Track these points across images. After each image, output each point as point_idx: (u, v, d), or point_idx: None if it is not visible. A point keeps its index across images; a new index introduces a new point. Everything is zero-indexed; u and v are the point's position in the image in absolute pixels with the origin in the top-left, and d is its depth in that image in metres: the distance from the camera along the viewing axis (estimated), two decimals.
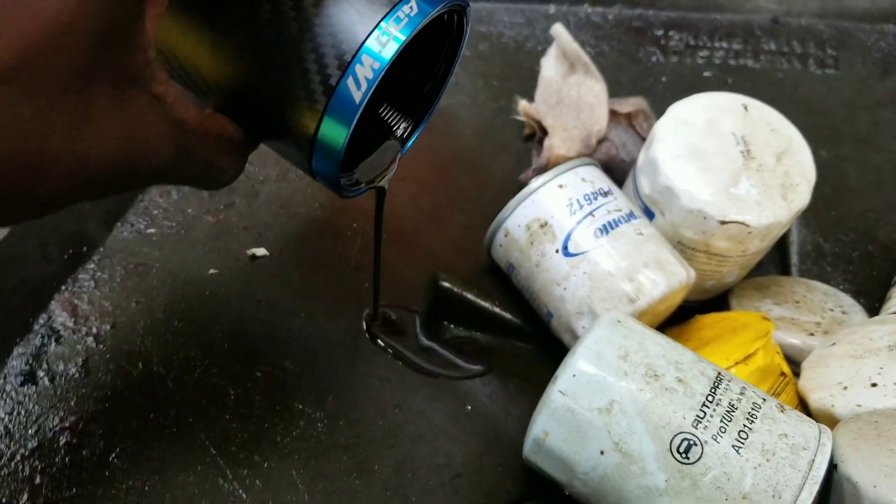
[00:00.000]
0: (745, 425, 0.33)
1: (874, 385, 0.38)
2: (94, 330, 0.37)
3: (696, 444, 0.32)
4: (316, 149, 0.27)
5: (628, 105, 0.60)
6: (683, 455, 0.32)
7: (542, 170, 0.57)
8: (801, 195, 0.45)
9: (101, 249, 0.40)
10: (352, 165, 0.32)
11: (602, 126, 0.57)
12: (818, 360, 0.43)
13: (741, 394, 0.34)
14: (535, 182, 0.45)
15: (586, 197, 0.45)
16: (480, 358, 0.45)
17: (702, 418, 0.33)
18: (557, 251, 0.44)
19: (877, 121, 0.63)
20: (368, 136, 0.33)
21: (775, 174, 0.45)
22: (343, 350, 0.40)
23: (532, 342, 0.48)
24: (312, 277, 0.43)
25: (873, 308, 0.52)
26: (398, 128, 0.34)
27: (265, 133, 0.29)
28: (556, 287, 0.44)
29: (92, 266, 0.39)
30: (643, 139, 0.59)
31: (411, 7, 0.27)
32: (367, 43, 0.26)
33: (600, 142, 0.58)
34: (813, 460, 0.32)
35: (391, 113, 0.34)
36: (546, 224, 0.44)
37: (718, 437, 0.32)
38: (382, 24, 0.26)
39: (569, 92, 0.60)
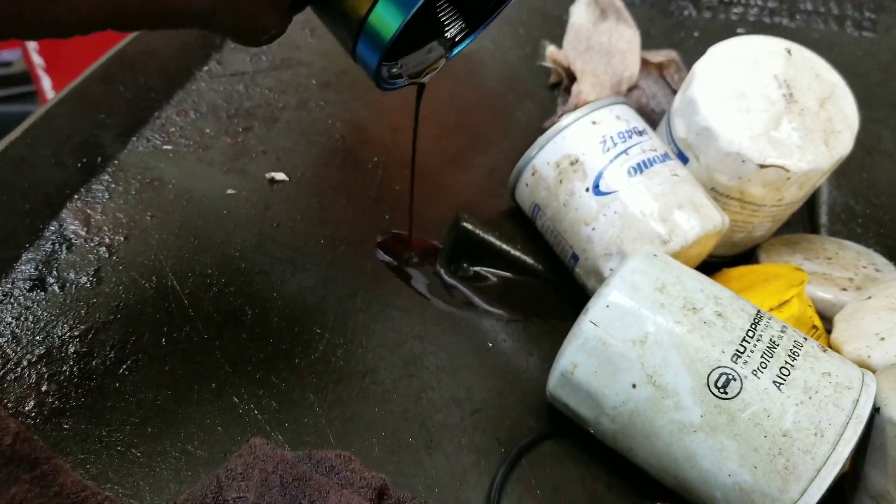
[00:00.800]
0: (786, 362, 0.31)
1: None
2: (107, 240, 0.36)
3: (734, 379, 0.31)
4: (364, 31, 0.25)
5: (660, 55, 0.58)
6: (721, 390, 0.31)
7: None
8: (844, 142, 0.43)
9: (116, 162, 0.38)
10: (396, 56, 0.30)
11: (634, 72, 0.56)
12: (853, 314, 0.41)
13: (782, 331, 0.33)
14: (567, 118, 0.43)
15: (620, 135, 0.43)
16: (502, 298, 0.44)
17: (741, 353, 0.31)
18: (587, 189, 0.42)
19: None
20: (419, 29, 0.31)
21: (818, 119, 0.43)
22: (363, 278, 0.39)
23: (553, 284, 0.47)
24: (332, 205, 0.41)
25: None
26: (451, 28, 0.32)
27: None
28: (583, 227, 0.42)
29: (106, 177, 0.38)
30: (674, 91, 0.58)
31: None
32: None
33: (631, 89, 0.56)
34: (857, 400, 0.30)
35: (448, 12, 0.32)
36: (577, 161, 0.42)
37: (759, 372, 0.31)
38: None
39: (599, 38, 0.58)
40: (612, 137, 0.43)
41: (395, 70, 0.30)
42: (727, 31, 0.65)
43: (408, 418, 0.35)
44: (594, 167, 0.42)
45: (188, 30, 0.38)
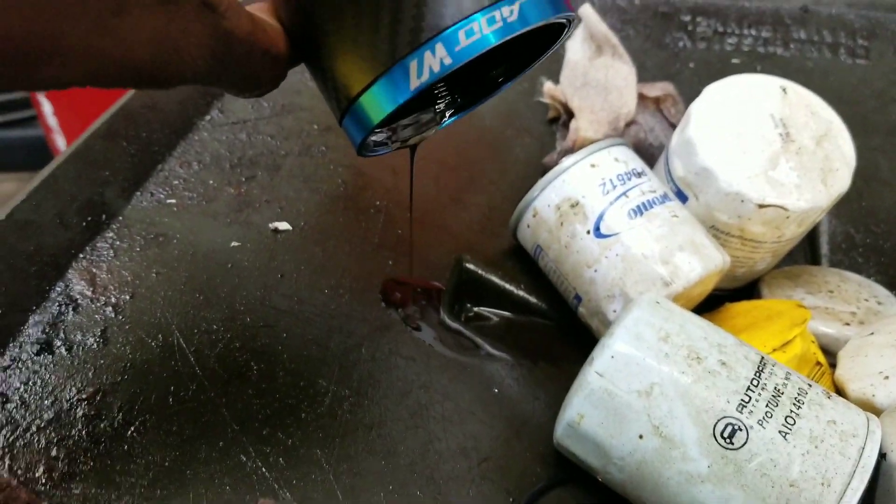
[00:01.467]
0: (791, 411, 0.31)
1: None
2: (113, 300, 0.36)
3: (740, 430, 0.31)
4: (351, 110, 0.26)
5: (657, 89, 0.59)
6: (727, 440, 0.31)
7: (569, 152, 0.55)
8: (841, 180, 0.43)
9: (121, 218, 0.39)
10: (384, 124, 0.30)
11: (631, 108, 0.56)
12: (857, 350, 0.41)
13: (786, 379, 0.33)
14: (567, 161, 0.44)
15: (619, 177, 0.43)
16: (507, 340, 0.44)
17: (747, 403, 0.31)
18: (588, 232, 0.42)
19: None
20: (410, 106, 0.31)
21: (815, 158, 0.43)
22: (367, 327, 0.39)
23: (558, 324, 0.47)
24: (335, 253, 0.42)
25: None
26: (444, 101, 0.33)
27: (315, 62, 0.27)
28: (586, 269, 0.42)
29: (111, 235, 0.38)
30: (671, 124, 0.58)
31: (511, 11, 0.24)
32: (449, 32, 0.23)
33: (628, 125, 0.57)
34: (863, 448, 0.30)
35: (442, 88, 0.33)
36: (577, 204, 0.43)
37: (764, 422, 0.31)
38: (474, 18, 0.23)
39: (596, 74, 0.59)
40: (611, 180, 0.43)
41: (379, 139, 0.30)
42: (722, 62, 0.65)
43: (415, 471, 0.35)
44: (595, 210, 0.42)
45: None
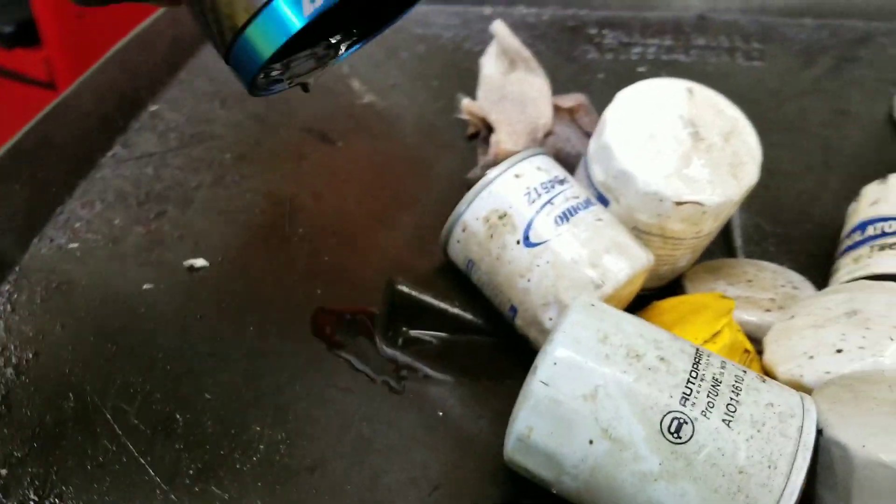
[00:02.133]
0: (731, 398, 0.32)
1: (839, 351, 0.38)
2: (14, 360, 0.33)
3: (686, 423, 0.31)
4: (238, 44, 0.24)
5: (570, 100, 0.60)
6: (675, 435, 0.31)
7: (491, 165, 0.55)
8: (750, 173, 0.45)
9: (18, 269, 0.36)
10: (276, 58, 0.28)
11: (548, 119, 0.57)
12: (780, 334, 0.43)
13: (722, 367, 0.33)
14: (491, 173, 0.44)
15: (543, 185, 0.43)
16: (446, 361, 0.43)
17: (688, 395, 0.32)
18: (518, 242, 0.42)
19: (803, 108, 0.65)
20: (304, 38, 0.28)
21: (724, 154, 0.45)
22: (299, 362, 0.37)
23: (495, 339, 0.46)
24: (259, 287, 0.40)
25: (818, 282, 0.52)
26: (339, 35, 0.30)
27: None
28: (519, 279, 0.42)
29: (7, 288, 0.35)
30: (586, 133, 0.59)
31: None
32: None
33: (546, 136, 0.57)
34: (801, 427, 0.31)
35: (336, 21, 0.30)
36: (505, 215, 0.43)
37: (707, 412, 0.31)
38: None
39: (511, 88, 0.59)
40: (535, 189, 0.43)
41: (274, 74, 0.28)
42: (629, 71, 0.68)
43: None
44: (523, 219, 0.42)
45: (88, 116, 0.36)
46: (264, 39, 0.23)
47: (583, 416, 0.32)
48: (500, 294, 0.44)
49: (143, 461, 0.31)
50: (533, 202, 0.43)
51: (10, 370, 0.32)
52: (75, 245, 0.37)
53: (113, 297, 0.36)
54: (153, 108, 0.47)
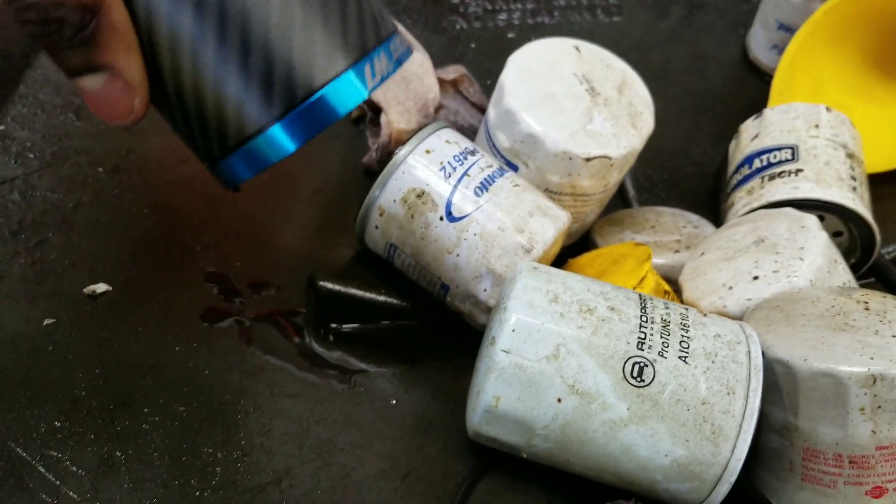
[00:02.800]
0: (682, 335, 0.33)
1: (756, 278, 0.40)
2: None
3: (647, 365, 0.32)
4: (243, 149, 0.24)
5: (451, 72, 0.59)
6: (638, 378, 0.32)
7: (385, 147, 0.54)
8: (647, 121, 0.47)
9: None
10: None
11: (436, 93, 0.56)
12: (695, 271, 0.45)
13: (666, 308, 0.35)
14: (401, 152, 0.43)
15: (456, 158, 0.43)
16: (382, 350, 0.42)
17: (643, 339, 0.33)
18: (442, 218, 0.41)
19: (665, 57, 0.68)
20: None
21: (621, 106, 0.47)
22: (236, 376, 0.35)
23: (426, 321, 0.46)
24: (174, 304, 0.36)
25: (710, 218, 0.56)
26: None
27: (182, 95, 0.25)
28: (447, 256, 0.41)
29: None
30: (472, 104, 0.59)
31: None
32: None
33: (436, 110, 0.57)
34: (749, 351, 0.33)
35: None
36: (423, 193, 0.42)
37: (664, 352, 0.32)
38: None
39: None
40: (449, 163, 0.43)
41: None
42: (499, 38, 0.68)
43: None
44: (442, 195, 0.42)
45: None
46: (275, 146, 0.25)
47: (548, 377, 0.32)
48: (427, 274, 0.43)
49: None
50: (449, 176, 0.42)
51: None
52: None
53: (12, 340, 0.31)
54: (0, 128, 0.42)
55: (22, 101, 0.43)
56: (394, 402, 0.37)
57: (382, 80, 0.26)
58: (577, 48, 0.49)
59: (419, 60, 0.58)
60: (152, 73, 0.25)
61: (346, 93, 0.26)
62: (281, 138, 0.25)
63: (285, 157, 0.26)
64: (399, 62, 0.27)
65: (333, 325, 0.43)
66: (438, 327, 0.45)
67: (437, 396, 0.39)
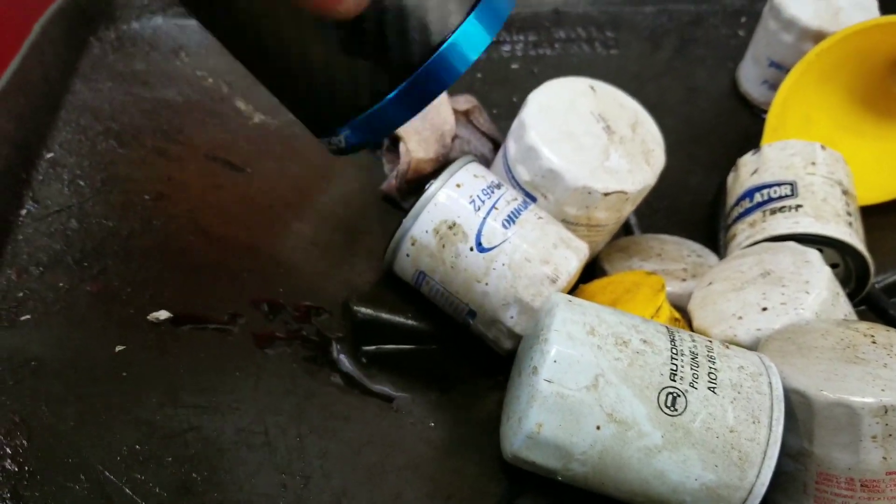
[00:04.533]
0: (710, 367, 0.36)
1: (764, 309, 0.44)
2: (9, 451, 0.29)
3: (679, 396, 0.35)
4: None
5: (463, 102, 0.62)
6: (671, 408, 0.34)
7: (404, 175, 0.56)
8: (658, 158, 0.50)
9: None
10: None
11: (452, 124, 0.58)
12: (704, 301, 0.48)
13: (693, 340, 0.37)
14: (433, 186, 0.45)
15: (484, 191, 0.45)
16: (413, 373, 0.44)
17: (675, 371, 0.35)
18: (472, 249, 0.44)
19: (661, 88, 0.72)
20: None
21: (635, 143, 0.49)
22: (293, 400, 0.36)
23: (448, 345, 0.48)
24: (228, 329, 0.38)
25: (708, 246, 0.59)
26: None
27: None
28: (476, 284, 0.44)
29: None
30: (483, 133, 0.62)
31: None
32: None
33: (452, 140, 0.59)
34: (771, 382, 0.36)
35: None
36: (455, 225, 0.44)
37: (695, 383, 0.35)
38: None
39: None
40: (478, 196, 0.45)
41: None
42: (504, 68, 0.71)
43: None
44: (472, 227, 0.44)
45: None
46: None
47: (588, 406, 0.34)
48: (455, 301, 0.45)
49: None
50: (479, 209, 0.44)
51: (7, 462, 0.29)
52: (27, 317, 0.34)
53: (87, 366, 0.33)
54: (49, 155, 0.43)
55: (66, 126, 0.44)
56: (432, 424, 0.39)
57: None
58: (593, 87, 0.51)
59: None
60: None
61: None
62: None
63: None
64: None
65: (363, 348, 0.45)
66: (462, 352, 0.47)
67: (468, 419, 0.41)
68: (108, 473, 0.29)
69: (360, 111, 0.26)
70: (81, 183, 0.41)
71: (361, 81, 0.26)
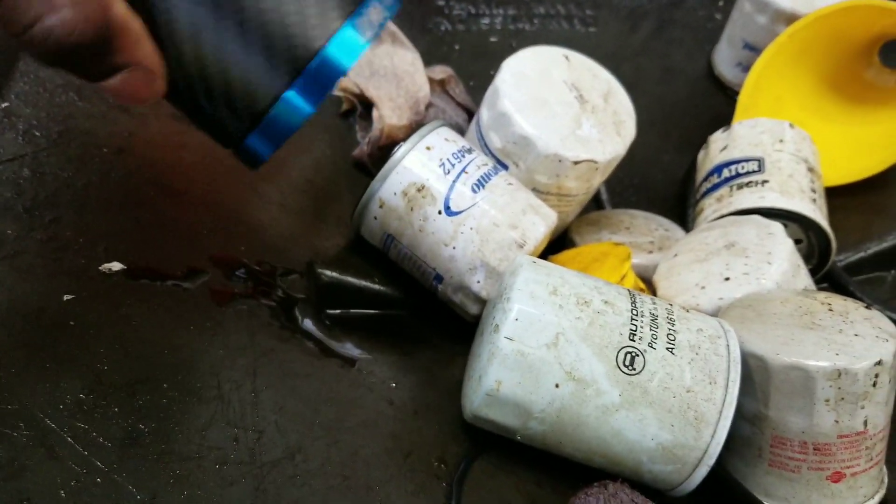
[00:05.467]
0: (669, 329, 0.36)
1: (727, 279, 0.44)
2: None
3: (638, 355, 0.35)
4: (261, 126, 0.26)
5: (439, 72, 0.61)
6: (630, 367, 0.34)
7: (377, 142, 0.56)
8: (629, 129, 0.50)
9: None
10: None
11: (426, 92, 0.58)
12: (668, 271, 0.48)
13: (654, 303, 0.37)
14: (403, 147, 0.44)
15: (455, 155, 0.45)
16: (377, 336, 0.44)
17: (635, 331, 0.35)
18: (440, 212, 0.43)
19: (637, 68, 0.72)
20: None
21: (606, 113, 0.49)
22: (250, 356, 0.36)
23: (415, 310, 0.48)
24: (184, 285, 0.37)
25: (677, 222, 0.59)
26: None
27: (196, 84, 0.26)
28: (444, 248, 0.43)
29: None
30: (458, 104, 0.61)
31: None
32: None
33: (426, 108, 0.59)
34: (728, 345, 0.36)
35: None
36: (423, 187, 0.44)
37: (654, 343, 0.35)
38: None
39: (381, 62, 0.59)
40: (448, 159, 0.45)
41: None
42: (481, 41, 0.71)
43: (351, 486, 0.33)
44: (441, 190, 0.44)
45: None
46: (290, 114, 0.27)
47: (548, 363, 0.34)
48: (422, 265, 0.45)
49: (117, 479, 0.28)
50: (448, 172, 0.44)
51: None
52: None
53: (34, 313, 0.32)
54: (4, 104, 0.41)
55: (23, 78, 0.43)
56: (393, 385, 0.39)
57: (380, 27, 0.27)
58: (567, 57, 0.51)
59: (410, 59, 0.60)
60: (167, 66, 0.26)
61: (347, 47, 0.27)
62: (297, 102, 0.27)
63: (305, 121, 0.27)
64: (392, 8, 0.28)
65: (329, 311, 0.45)
66: (428, 317, 0.47)
67: (432, 383, 0.41)
68: (49, 421, 0.29)
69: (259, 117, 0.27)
70: (37, 133, 0.40)
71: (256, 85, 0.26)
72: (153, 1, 0.25)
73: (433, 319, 0.46)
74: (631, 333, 0.35)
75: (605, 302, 0.36)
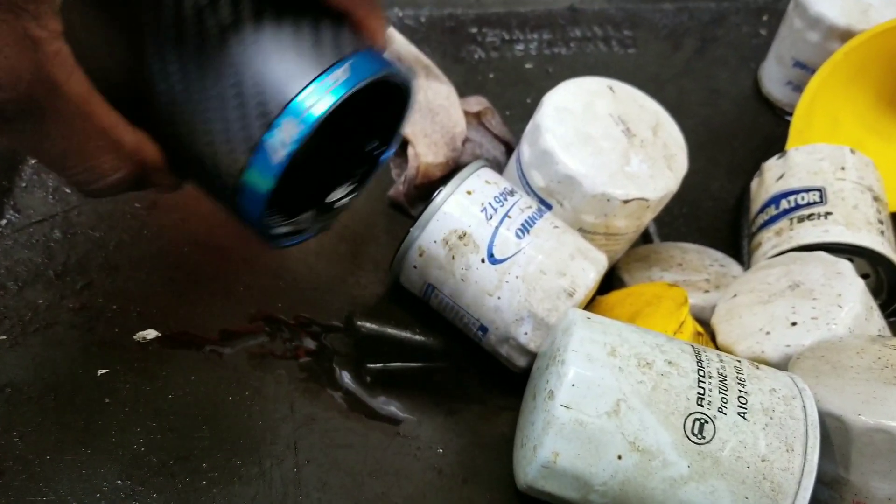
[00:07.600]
0: (740, 391, 0.33)
1: (794, 324, 0.41)
2: None
3: (707, 422, 0.32)
4: (240, 192, 0.26)
5: (474, 104, 0.59)
6: (699, 436, 0.32)
7: (412, 181, 0.54)
8: (681, 162, 0.47)
9: None
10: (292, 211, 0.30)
11: (462, 127, 0.56)
12: (728, 314, 0.45)
13: (721, 360, 0.35)
14: (442, 193, 0.42)
15: (496, 199, 0.43)
16: (421, 393, 0.42)
17: (703, 395, 0.33)
18: (483, 260, 0.41)
19: (680, 90, 0.69)
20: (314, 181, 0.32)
21: (656, 147, 0.47)
22: (290, 426, 0.34)
23: (458, 361, 0.45)
24: (222, 349, 0.36)
25: (730, 254, 0.56)
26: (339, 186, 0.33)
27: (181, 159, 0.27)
28: (488, 298, 0.41)
29: None
30: (495, 136, 0.59)
31: (344, 71, 0.25)
32: (292, 105, 0.24)
33: (463, 143, 0.57)
34: (805, 406, 0.33)
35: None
36: (465, 234, 0.41)
37: (724, 408, 0.32)
38: (311, 85, 0.25)
39: (416, 97, 0.58)
40: (490, 203, 0.42)
41: (287, 229, 0.30)
42: (517, 68, 0.68)
43: None
44: (484, 237, 0.41)
45: None
46: (258, 184, 0.26)
47: (609, 433, 0.32)
48: (465, 315, 0.43)
49: None
50: (491, 218, 0.42)
51: None
52: (2, 338, 0.31)
53: (69, 393, 0.30)
54: (33, 161, 0.40)
55: None
56: (440, 450, 0.37)
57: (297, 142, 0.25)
58: (611, 88, 0.49)
59: (445, 93, 0.58)
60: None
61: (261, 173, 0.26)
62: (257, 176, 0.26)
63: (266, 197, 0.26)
64: (307, 122, 0.25)
65: (367, 365, 0.43)
66: (473, 369, 0.45)
67: (479, 444, 0.39)
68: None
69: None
70: (67, 191, 0.39)
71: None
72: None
73: (477, 372, 0.44)
74: (699, 398, 0.32)
75: (669, 362, 0.34)
